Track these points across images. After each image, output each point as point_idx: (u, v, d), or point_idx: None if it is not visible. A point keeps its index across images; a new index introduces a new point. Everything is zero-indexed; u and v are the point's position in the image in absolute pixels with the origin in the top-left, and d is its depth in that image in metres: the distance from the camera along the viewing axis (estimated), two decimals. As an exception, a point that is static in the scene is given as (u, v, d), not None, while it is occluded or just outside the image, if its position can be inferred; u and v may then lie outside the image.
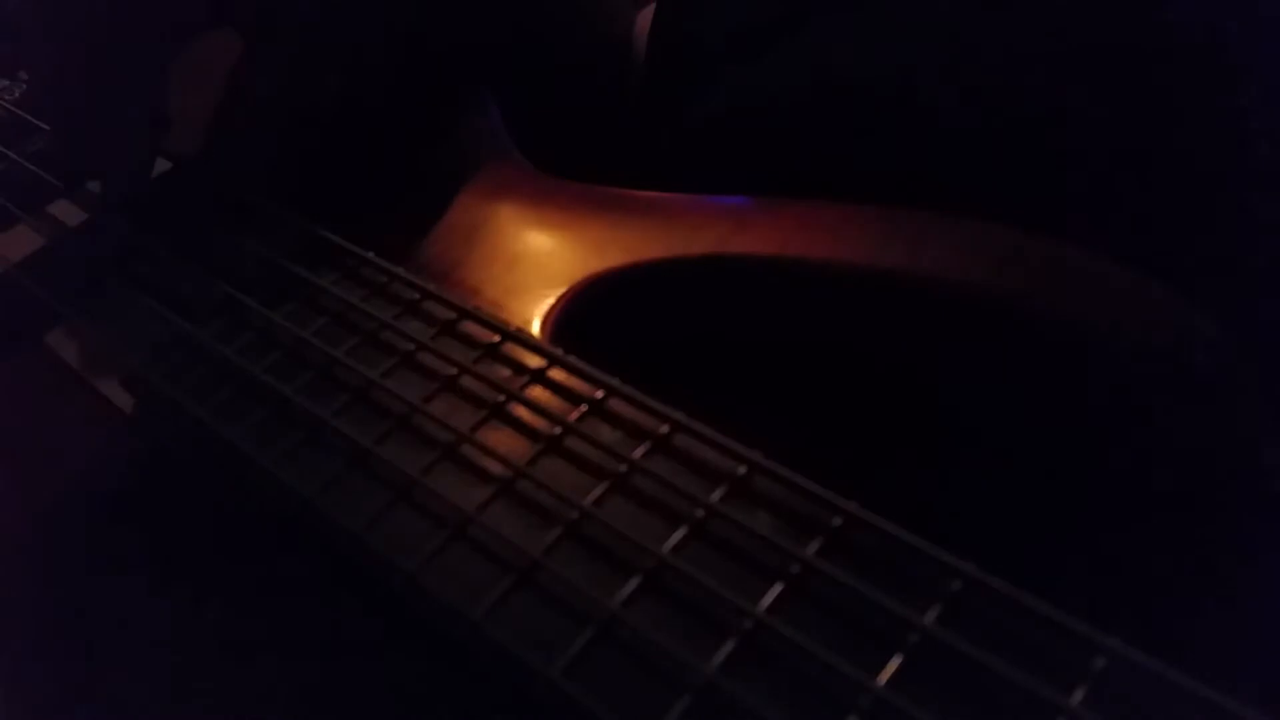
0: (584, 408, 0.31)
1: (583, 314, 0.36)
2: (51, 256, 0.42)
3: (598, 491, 0.28)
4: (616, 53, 0.54)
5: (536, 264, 0.38)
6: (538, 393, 0.32)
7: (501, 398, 0.32)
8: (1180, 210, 0.35)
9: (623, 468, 0.29)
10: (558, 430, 0.30)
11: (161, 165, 0.45)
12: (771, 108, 0.43)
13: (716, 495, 0.28)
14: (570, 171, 0.42)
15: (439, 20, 0.48)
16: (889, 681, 0.23)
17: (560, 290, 0.37)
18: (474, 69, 0.48)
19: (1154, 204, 0.35)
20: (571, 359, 0.32)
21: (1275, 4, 0.35)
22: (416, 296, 0.36)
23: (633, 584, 0.26)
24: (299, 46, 0.45)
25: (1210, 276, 0.31)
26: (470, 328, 0.35)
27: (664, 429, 0.30)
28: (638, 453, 0.29)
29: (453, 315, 0.35)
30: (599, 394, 0.31)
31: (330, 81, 0.44)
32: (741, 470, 0.28)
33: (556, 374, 0.32)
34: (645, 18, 0.55)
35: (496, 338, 0.34)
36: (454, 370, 0.33)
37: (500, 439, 0.31)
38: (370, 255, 0.38)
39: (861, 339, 0.33)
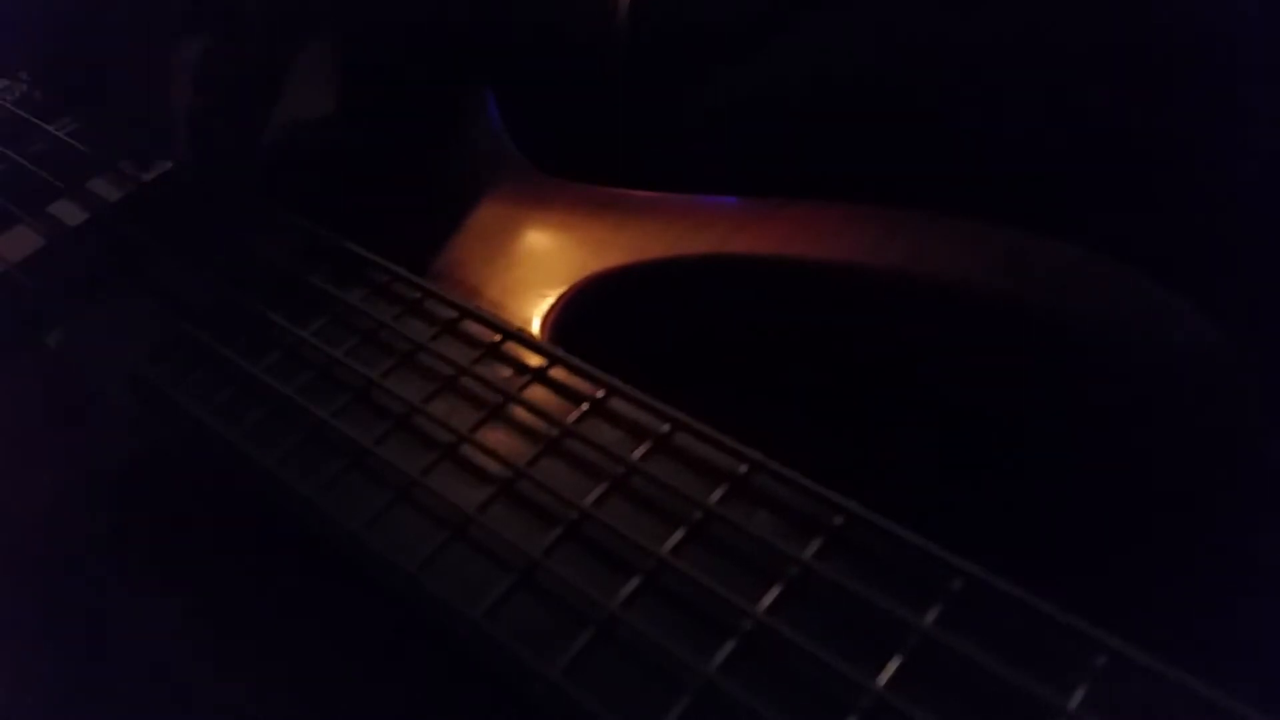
0: (584, 408, 0.31)
1: (583, 314, 0.36)
2: (52, 256, 0.42)
3: (598, 491, 0.28)
4: (607, 41, 0.53)
5: (536, 264, 0.38)
6: (537, 393, 0.32)
7: (501, 398, 0.32)
8: (1181, 210, 0.35)
9: (622, 468, 0.29)
10: (557, 430, 0.30)
11: (161, 165, 0.45)
12: (765, 107, 0.43)
13: (716, 495, 0.28)
14: (570, 171, 0.42)
15: (426, 9, 0.48)
16: (889, 682, 0.23)
17: (560, 290, 0.37)
18: (466, 61, 0.48)
19: (1155, 204, 0.35)
20: (571, 359, 0.32)
21: (1275, 3, 0.35)
22: (416, 296, 0.36)
23: (633, 584, 0.26)
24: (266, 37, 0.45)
25: (1210, 276, 0.31)
26: (470, 328, 0.35)
27: (664, 429, 0.30)
28: (637, 453, 0.29)
29: (453, 315, 0.35)
30: (599, 394, 0.31)
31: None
32: (741, 470, 0.28)
33: (556, 374, 0.32)
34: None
35: (496, 338, 0.34)
36: (454, 370, 0.33)
37: (500, 439, 0.31)
38: (370, 256, 0.38)
39: (861, 339, 0.33)
